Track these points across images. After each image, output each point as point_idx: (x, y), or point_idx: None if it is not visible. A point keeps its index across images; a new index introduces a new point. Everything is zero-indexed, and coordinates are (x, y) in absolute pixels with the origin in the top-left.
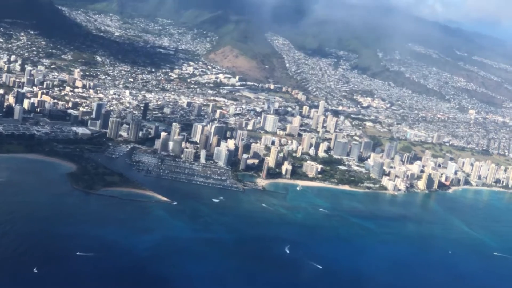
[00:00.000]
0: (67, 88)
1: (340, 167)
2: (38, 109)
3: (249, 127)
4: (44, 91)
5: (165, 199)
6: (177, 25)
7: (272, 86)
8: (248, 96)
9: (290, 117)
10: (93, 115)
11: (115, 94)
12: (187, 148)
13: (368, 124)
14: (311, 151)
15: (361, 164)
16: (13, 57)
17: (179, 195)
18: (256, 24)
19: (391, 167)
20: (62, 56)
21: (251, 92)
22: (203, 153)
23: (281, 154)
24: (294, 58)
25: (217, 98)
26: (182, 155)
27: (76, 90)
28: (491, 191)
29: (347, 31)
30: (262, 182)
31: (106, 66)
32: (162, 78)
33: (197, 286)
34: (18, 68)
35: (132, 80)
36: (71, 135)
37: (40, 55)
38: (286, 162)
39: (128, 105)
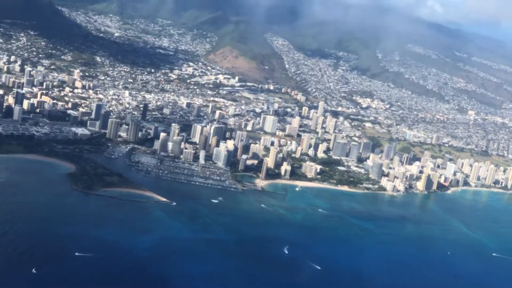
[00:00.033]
0: (67, 89)
1: (339, 167)
2: (38, 110)
3: (249, 128)
4: (44, 91)
5: (164, 199)
6: (177, 26)
7: (271, 87)
8: (247, 96)
9: (289, 118)
10: (93, 116)
11: (114, 94)
12: (186, 148)
13: (368, 125)
14: (310, 152)
15: (360, 165)
16: (12, 58)
17: (178, 195)
18: (255, 25)
19: (390, 168)
20: (62, 57)
21: (251, 93)
22: (202, 154)
23: (280, 155)
24: (293, 59)
25: (216, 99)
26: (181, 156)
27: (75, 90)
28: (490, 192)
29: (346, 32)
30: (261, 182)
31: (105, 66)
32: (162, 79)
33: (196, 286)
34: (17, 68)
35: (131, 80)
36: (70, 135)
37: (40, 55)
38: (285, 163)
39: (127, 105)
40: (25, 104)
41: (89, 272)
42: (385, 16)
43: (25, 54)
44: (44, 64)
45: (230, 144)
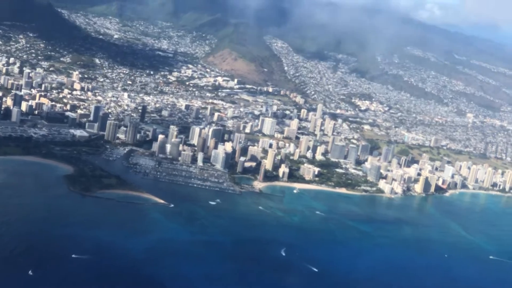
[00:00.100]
0: (66, 91)
1: (337, 170)
2: (36, 112)
3: (247, 130)
4: (42, 93)
5: (162, 201)
6: (176, 28)
7: (270, 89)
8: (246, 99)
9: (288, 120)
10: (91, 118)
11: (113, 96)
12: (184, 150)
13: (366, 127)
14: (309, 154)
15: (358, 167)
16: (11, 60)
17: (176, 197)
18: (255, 27)
19: (388, 170)
20: (61, 59)
21: (250, 95)
22: (200, 156)
23: (278, 157)
24: (292, 61)
25: (215, 101)
26: (179, 158)
27: (74, 92)
28: (488, 195)
29: (346, 34)
30: (259, 184)
31: (104, 68)
32: (161, 81)
33: None
34: (16, 70)
35: (130, 82)
36: (68, 137)
37: (39, 57)
38: (283, 165)
39: (126, 107)
40: (24, 105)
41: (86, 274)
42: (385, 19)
43: (24, 56)
44: (43, 66)
45: (228, 146)
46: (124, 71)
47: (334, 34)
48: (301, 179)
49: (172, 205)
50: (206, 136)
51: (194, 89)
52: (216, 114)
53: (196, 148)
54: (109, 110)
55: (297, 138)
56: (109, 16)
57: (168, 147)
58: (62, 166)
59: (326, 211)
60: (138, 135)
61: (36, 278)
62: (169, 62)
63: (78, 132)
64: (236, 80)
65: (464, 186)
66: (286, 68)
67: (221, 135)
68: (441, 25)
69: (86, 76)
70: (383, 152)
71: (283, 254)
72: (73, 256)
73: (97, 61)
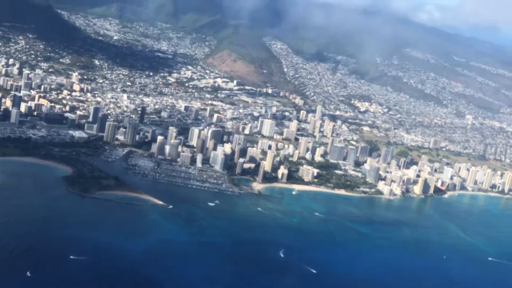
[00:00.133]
0: (65, 92)
1: (336, 171)
2: (35, 113)
3: (246, 132)
4: (42, 94)
5: (160, 202)
6: (176, 29)
7: (270, 91)
8: (245, 100)
9: (287, 122)
10: (90, 119)
11: (112, 98)
12: (183, 152)
13: (365, 128)
14: (308, 156)
15: (358, 169)
16: (11, 61)
17: (175, 198)
18: (254, 28)
19: (387, 172)
20: (60, 60)
21: (249, 96)
22: (199, 157)
23: (277, 159)
24: (292, 62)
25: (214, 102)
26: (178, 159)
27: (73, 93)
28: (487, 196)
29: (345, 36)
30: (258, 186)
31: (104, 69)
32: (160, 82)
33: None
34: (16, 71)
35: (130, 84)
36: (67, 138)
37: (38, 58)
38: (282, 167)
39: (125, 108)
40: (23, 107)
41: (84, 275)
42: (384, 21)
43: (24, 57)
44: (42, 67)
45: (227, 148)
46: (124, 72)
47: (333, 36)
48: (300, 181)
49: (171, 206)
50: (205, 137)
51: (193, 91)
52: (215, 115)
53: (195, 150)
54: (109, 111)
55: (296, 139)
56: (109, 17)
57: (167, 148)
58: (61, 167)
59: (325, 212)
60: (137, 136)
61: (34, 279)
62: (169, 64)
63: (77, 133)
64: (235, 82)
65: (463, 187)
66: (285, 69)
67: (220, 137)
68: (441, 27)
69: (85, 77)
70: (382, 154)
71: (282, 255)
72: (71, 257)
73: (96, 62)
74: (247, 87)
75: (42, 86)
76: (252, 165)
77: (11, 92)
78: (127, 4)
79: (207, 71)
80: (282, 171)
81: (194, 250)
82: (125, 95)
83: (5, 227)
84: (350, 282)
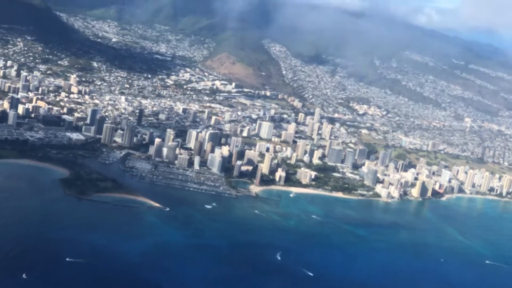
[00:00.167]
0: (63, 94)
1: (334, 174)
2: (33, 115)
3: (244, 134)
4: (39, 96)
5: (157, 205)
6: (174, 32)
7: (268, 93)
8: (244, 103)
9: (285, 124)
10: (88, 121)
11: (110, 100)
12: (181, 154)
13: (364, 131)
14: (306, 158)
15: (355, 172)
16: (9, 63)
17: (172, 201)
18: (253, 31)
19: (385, 175)
20: (59, 62)
21: (247, 99)
22: (197, 160)
23: (275, 161)
24: (290, 65)
25: (213, 105)
26: (176, 161)
27: (71, 95)
28: (485, 200)
29: (344, 39)
30: (255, 188)
31: (102, 72)
32: (159, 84)
33: None
34: (14, 73)
35: (128, 86)
36: (65, 140)
37: (37, 60)
38: (280, 169)
39: (123, 111)
40: (20, 109)
41: (80, 277)
42: (383, 24)
43: (22, 59)
44: (40, 69)
45: (225, 150)
46: (122, 75)
47: (332, 39)
48: (298, 183)
49: (167, 209)
50: (203, 139)
51: (191, 93)
52: (214, 117)
53: (192, 152)
54: (106, 114)
55: (295, 142)
56: (108, 19)
57: (165, 150)
58: (58, 170)
59: (322, 215)
60: (134, 139)
61: (30, 281)
62: (167, 66)
63: (75, 136)
64: (234, 84)
65: (461, 190)
66: (284, 72)
67: (218, 139)
68: (440, 29)
69: (83, 79)
70: (380, 157)
71: (279, 258)
72: (67, 259)
73: (95, 64)
74: (245, 90)
75: (40, 88)
76: (250, 168)
77: (9, 94)
78: (126, 7)
79: (206, 74)
80: (280, 173)
81: (191, 253)
82: (123, 97)
83: (1, 229)
84: (347, 285)
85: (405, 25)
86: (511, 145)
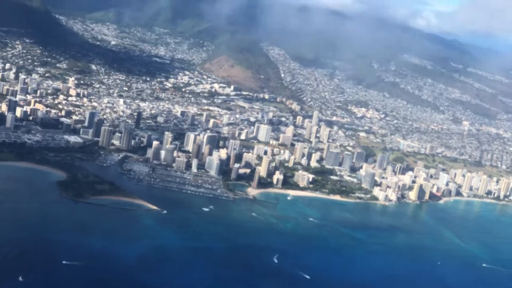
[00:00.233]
0: (61, 97)
1: (332, 177)
2: (30, 117)
3: (242, 137)
4: (38, 99)
5: (155, 207)
6: (173, 35)
7: (266, 96)
8: (242, 105)
9: (283, 127)
10: (86, 124)
11: (109, 102)
12: (179, 157)
13: (362, 134)
14: (303, 161)
15: (353, 175)
16: (7, 66)
17: (169, 204)
18: (252, 34)
19: (383, 178)
20: (57, 65)
21: (246, 101)
22: (195, 162)
23: (273, 164)
24: (289, 68)
25: (211, 108)
26: (173, 164)
27: (70, 98)
28: (482, 203)
29: (343, 42)
30: (253, 191)
31: (101, 74)
32: (157, 87)
33: None
34: (12, 76)
35: (126, 89)
36: (62, 143)
37: (35, 63)
38: (277, 172)
39: (121, 113)
40: (18, 111)
41: (76, 280)
42: (382, 27)
43: (20, 62)
44: (39, 72)
45: (222, 153)
46: (121, 77)
47: (331, 42)
48: (296, 186)
49: (165, 211)
50: (201, 142)
51: (190, 96)
52: (212, 120)
53: (190, 155)
54: (105, 116)
55: (293, 145)
56: (107, 22)
57: (163, 153)
58: (55, 172)
59: (319, 218)
60: (132, 141)
61: (26, 284)
62: (166, 69)
63: (72, 138)
64: (232, 87)
65: (458, 193)
66: (282, 75)
67: (216, 142)
68: (438, 33)
69: (82, 82)
70: (378, 160)
71: (276, 261)
72: (63, 262)
73: (93, 67)
74: (244, 93)
75: (38, 91)
76: (248, 171)
77: (7, 96)
78: (125, 10)
79: (204, 77)
80: (278, 176)
81: (188, 256)
82: (121, 100)
83: None
84: None
85: (403, 28)
86: (509, 148)
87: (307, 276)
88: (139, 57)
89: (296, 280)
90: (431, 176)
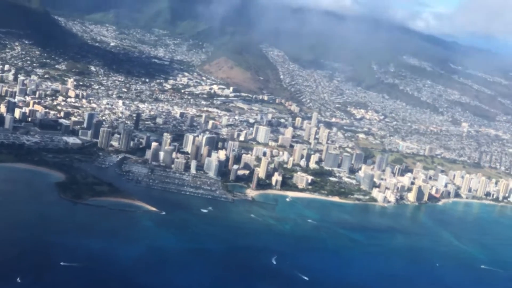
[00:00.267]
0: (60, 98)
1: (331, 178)
2: (29, 119)
3: (241, 138)
4: (36, 100)
5: (153, 209)
6: (173, 36)
7: (266, 98)
8: (241, 107)
9: (282, 129)
10: (85, 125)
11: (108, 104)
12: (177, 158)
13: (361, 136)
14: (302, 163)
15: (352, 176)
16: (6, 67)
17: (168, 205)
18: (251, 35)
19: (382, 179)
20: (56, 66)
21: (245, 103)
22: (193, 164)
23: (272, 165)
24: (288, 69)
25: (210, 109)
26: (172, 165)
27: (68, 99)
28: (481, 204)
29: (342, 43)
30: (251, 193)
31: (100, 76)
32: (156, 89)
33: None
34: (11, 77)
35: (125, 90)
36: (61, 144)
37: (34, 64)
38: (276, 173)
39: (120, 115)
40: (17, 112)
41: (74, 282)
42: (381, 28)
43: (19, 63)
44: (38, 73)
45: (221, 154)
46: (120, 79)
47: (330, 43)
48: (294, 188)
49: (163, 213)
50: (200, 144)
51: (189, 97)
52: (211, 122)
53: (189, 156)
54: (103, 118)
55: (292, 146)
56: (106, 23)
57: (162, 154)
58: (54, 173)
59: (318, 219)
60: (131, 143)
61: (24, 285)
62: (165, 70)
63: (71, 139)
64: (231, 88)
65: (457, 195)
66: (281, 76)
67: (215, 143)
68: (438, 34)
69: (81, 83)
70: (377, 161)
71: (274, 262)
72: (61, 263)
73: (92, 68)
74: (243, 94)
75: (37, 92)
76: (246, 172)
77: (6, 98)
78: (124, 11)
79: (204, 78)
80: (276, 178)
81: (186, 257)
82: (120, 101)
83: None
84: None
85: (403, 30)
86: (508, 150)
87: (306, 278)
88: (138, 58)
89: (294, 281)
90: (430, 178)
